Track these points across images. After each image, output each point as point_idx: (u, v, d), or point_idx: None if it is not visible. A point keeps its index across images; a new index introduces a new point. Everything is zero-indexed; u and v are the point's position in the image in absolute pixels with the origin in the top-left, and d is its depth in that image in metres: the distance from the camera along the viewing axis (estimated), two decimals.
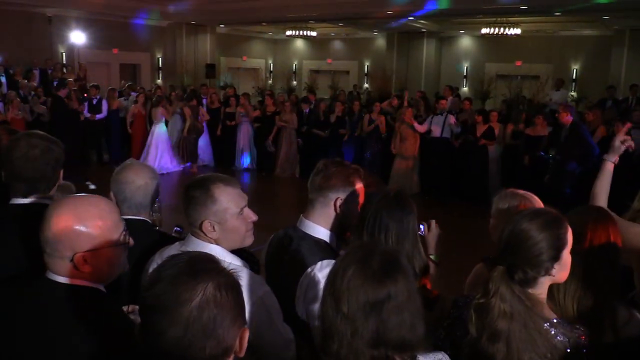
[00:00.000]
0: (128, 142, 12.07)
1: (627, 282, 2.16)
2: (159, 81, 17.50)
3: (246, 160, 12.16)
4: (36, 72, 13.77)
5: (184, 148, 11.75)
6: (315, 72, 20.33)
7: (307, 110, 11.55)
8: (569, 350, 1.59)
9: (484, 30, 14.68)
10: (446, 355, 1.43)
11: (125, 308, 1.68)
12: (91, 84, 12.40)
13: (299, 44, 22.07)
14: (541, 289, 1.68)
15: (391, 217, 1.93)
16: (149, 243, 2.04)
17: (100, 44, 16.13)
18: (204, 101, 12.64)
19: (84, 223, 1.46)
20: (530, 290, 1.66)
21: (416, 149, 9.82)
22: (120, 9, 15.11)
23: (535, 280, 1.65)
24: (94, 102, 11.77)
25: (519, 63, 16.98)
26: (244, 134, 12.06)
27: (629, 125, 2.75)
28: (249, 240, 1.92)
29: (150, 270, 1.94)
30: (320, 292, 1.85)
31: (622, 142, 2.53)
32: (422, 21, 16.22)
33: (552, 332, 1.60)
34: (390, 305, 1.24)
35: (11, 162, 1.94)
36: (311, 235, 2.06)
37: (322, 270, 1.91)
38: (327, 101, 12.54)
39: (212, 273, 1.12)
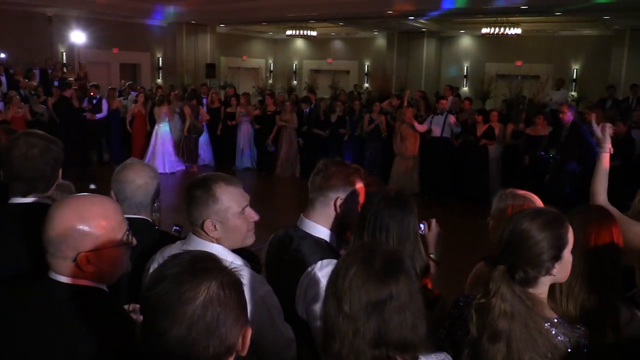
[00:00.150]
0: (128, 142, 12.06)
1: (626, 281, 2.16)
2: (159, 81, 17.50)
3: (246, 160, 12.16)
4: (36, 72, 13.79)
5: (184, 148, 11.75)
6: (316, 72, 20.33)
7: (308, 110, 11.55)
8: (569, 350, 1.59)
9: (484, 30, 14.68)
10: (449, 356, 1.42)
11: (126, 307, 1.68)
12: (91, 84, 12.40)
13: (299, 43, 22.07)
14: (542, 289, 1.68)
15: (392, 218, 1.92)
16: (149, 242, 2.04)
17: (101, 44, 16.14)
18: (204, 101, 12.64)
19: (87, 223, 1.46)
20: (531, 290, 1.65)
21: (416, 148, 9.82)
22: (121, 9, 15.11)
23: (536, 280, 1.65)
24: (94, 101, 11.77)
25: (519, 63, 16.98)
26: (244, 133, 12.07)
27: (596, 116, 2.77)
28: (250, 240, 1.92)
29: (151, 269, 1.94)
30: (321, 292, 1.85)
31: (601, 129, 2.54)
32: (422, 21, 16.22)
33: (553, 332, 1.60)
34: (392, 305, 1.23)
35: (10, 162, 1.94)
36: (311, 235, 2.06)
37: (322, 270, 1.91)
38: (328, 101, 12.54)
39: (215, 272, 1.11)
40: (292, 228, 2.13)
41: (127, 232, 1.55)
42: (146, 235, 2.05)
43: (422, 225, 2.18)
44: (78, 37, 15.80)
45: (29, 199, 1.97)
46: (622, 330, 1.81)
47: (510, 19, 13.99)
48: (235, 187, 1.86)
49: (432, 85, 17.25)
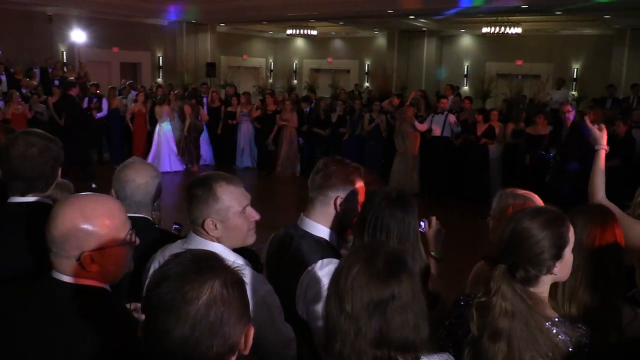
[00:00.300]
0: (129, 141, 12.07)
1: (627, 281, 2.16)
2: (159, 80, 17.50)
3: (246, 160, 12.17)
4: (36, 71, 13.78)
5: (184, 148, 11.75)
6: (316, 71, 20.35)
7: (308, 110, 11.55)
8: (570, 349, 1.58)
9: (485, 30, 14.67)
10: (451, 357, 1.41)
11: (127, 306, 1.68)
12: (91, 83, 12.40)
13: (300, 42, 22.06)
14: (543, 288, 1.67)
15: (393, 218, 1.92)
16: (150, 241, 2.04)
17: (101, 43, 16.15)
18: (205, 100, 12.63)
19: (91, 222, 1.46)
20: (531, 289, 1.65)
21: (416, 148, 9.82)
22: (121, 8, 15.11)
23: (537, 279, 1.65)
24: (95, 100, 11.77)
25: (519, 62, 16.98)
26: (245, 133, 12.07)
27: (593, 116, 2.81)
28: (251, 239, 1.92)
29: (152, 268, 1.94)
30: (321, 291, 1.85)
31: (599, 129, 2.56)
32: (422, 20, 16.22)
33: (554, 331, 1.60)
34: (394, 305, 1.23)
35: (9, 161, 1.93)
36: (312, 234, 2.06)
37: (322, 269, 1.91)
38: (328, 100, 12.54)
39: (218, 271, 1.11)
40: (293, 227, 2.13)
41: (131, 231, 1.55)
42: (146, 234, 2.04)
43: (422, 223, 2.18)
44: (78, 36, 15.80)
45: (28, 198, 1.97)
46: (625, 329, 1.81)
47: (510, 18, 13.99)
48: (236, 186, 1.86)
49: (432, 85, 17.24)
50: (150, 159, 10.86)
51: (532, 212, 1.71)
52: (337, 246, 2.11)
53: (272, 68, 22.59)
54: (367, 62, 20.52)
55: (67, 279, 1.47)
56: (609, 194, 2.52)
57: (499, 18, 14.03)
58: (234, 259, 1.76)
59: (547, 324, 1.61)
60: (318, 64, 21.39)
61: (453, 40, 19.04)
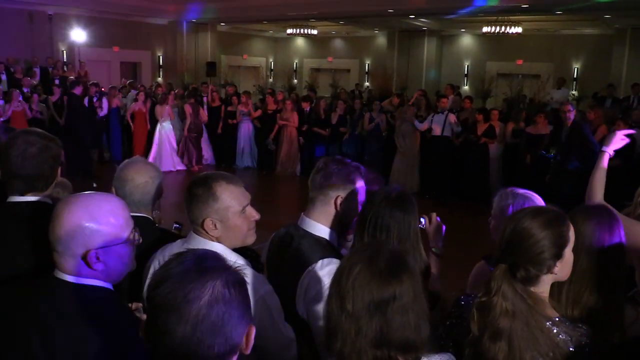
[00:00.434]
0: (129, 140, 12.08)
1: (627, 281, 2.15)
2: (160, 79, 17.51)
3: (246, 159, 12.16)
4: (37, 71, 13.78)
5: (183, 148, 11.75)
6: (316, 71, 20.35)
7: (308, 109, 11.55)
8: (571, 349, 1.58)
9: (485, 29, 14.66)
10: (453, 357, 1.41)
11: (129, 305, 1.68)
12: (91, 82, 12.41)
13: (300, 42, 22.06)
14: (543, 287, 1.67)
15: (393, 218, 1.92)
16: (150, 240, 2.03)
17: (101, 42, 16.15)
18: (205, 99, 12.63)
19: (97, 220, 1.46)
20: (532, 289, 1.65)
21: (417, 147, 9.82)
22: (121, 7, 15.11)
23: (537, 279, 1.65)
24: (95, 99, 11.78)
25: (520, 62, 16.98)
26: (245, 132, 12.07)
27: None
28: (251, 239, 1.92)
29: (152, 267, 1.94)
30: (321, 291, 1.85)
31: (622, 137, 2.54)
32: (423, 19, 16.22)
33: (555, 331, 1.60)
34: (395, 305, 1.23)
35: (8, 160, 1.92)
36: (312, 234, 2.05)
37: (322, 269, 1.91)
38: (328, 99, 12.53)
39: (220, 270, 1.11)
40: (293, 227, 2.13)
41: (134, 230, 1.55)
42: (147, 234, 2.04)
43: (423, 220, 2.17)
44: (78, 35, 15.81)
45: (27, 198, 1.96)
46: (627, 329, 1.80)
47: (511, 17, 13.98)
48: (236, 186, 1.85)
49: (432, 84, 17.24)
50: (151, 158, 10.87)
51: (533, 211, 1.71)
52: (337, 246, 2.10)
53: (272, 67, 22.59)
54: (367, 62, 20.52)
55: (70, 278, 1.46)
56: (609, 194, 2.52)
57: (499, 18, 14.02)
58: (234, 259, 1.76)
59: (547, 323, 1.61)
60: (318, 64, 21.39)
61: (453, 40, 19.04)
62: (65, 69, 14.46)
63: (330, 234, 2.07)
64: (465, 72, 18.61)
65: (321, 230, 2.06)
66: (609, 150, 2.56)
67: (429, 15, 15.25)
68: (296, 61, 22.24)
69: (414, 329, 1.24)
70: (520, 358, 1.57)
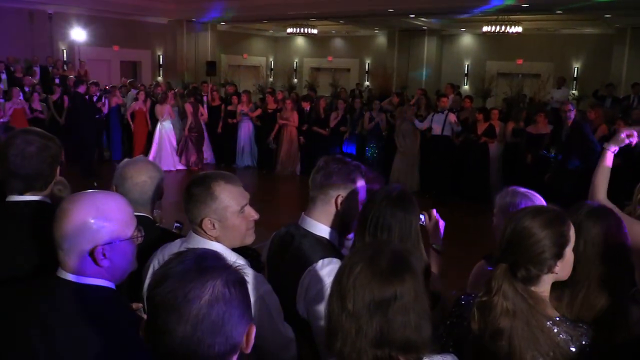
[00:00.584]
0: (129, 140, 12.07)
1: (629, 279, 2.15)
2: (160, 78, 17.51)
3: (246, 158, 12.16)
4: (37, 70, 13.78)
5: (183, 147, 11.75)
6: (316, 70, 20.34)
7: (308, 109, 11.54)
8: (572, 349, 1.58)
9: (485, 29, 14.65)
10: (455, 358, 1.41)
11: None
12: (91, 81, 12.41)
13: (300, 41, 22.05)
14: (544, 287, 1.67)
15: (394, 217, 1.91)
16: (150, 239, 2.03)
17: (101, 41, 16.15)
18: (205, 99, 12.63)
19: (104, 215, 1.46)
20: (533, 288, 1.65)
21: (417, 146, 9.81)
22: (121, 6, 15.10)
23: (538, 278, 1.65)
24: (94, 99, 11.78)
25: (520, 61, 16.98)
26: (245, 131, 12.07)
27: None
28: (249, 239, 1.92)
29: (152, 266, 1.94)
30: (322, 291, 1.84)
31: (627, 135, 2.51)
32: (423, 19, 16.21)
33: (555, 330, 1.60)
34: (396, 305, 1.22)
35: (7, 159, 1.92)
36: (313, 233, 2.05)
37: (323, 268, 1.90)
38: (329, 99, 12.53)
39: (220, 270, 1.11)
40: (294, 226, 2.12)
41: (138, 228, 1.56)
42: (146, 233, 2.04)
43: (422, 217, 2.17)
44: (78, 34, 15.80)
45: (26, 197, 1.96)
46: (631, 329, 1.79)
47: (511, 17, 13.97)
48: (234, 186, 1.85)
49: (432, 84, 17.24)
50: (151, 157, 10.86)
51: (533, 211, 1.70)
52: (338, 245, 2.10)
53: (272, 67, 22.58)
54: (368, 61, 20.51)
55: (73, 277, 1.46)
56: (610, 194, 2.51)
57: (500, 17, 14.02)
58: (233, 259, 1.76)
59: (548, 323, 1.61)
60: (318, 63, 21.39)
61: (453, 39, 19.03)
62: (65, 68, 14.47)
63: (331, 234, 2.07)
64: (466, 72, 18.60)
65: (322, 229, 2.06)
66: (611, 148, 2.55)
67: (440, 15, 15.20)
68: (296, 60, 22.23)
69: (415, 329, 1.23)
70: (521, 358, 1.57)
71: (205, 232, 1.83)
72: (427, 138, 9.73)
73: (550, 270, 1.64)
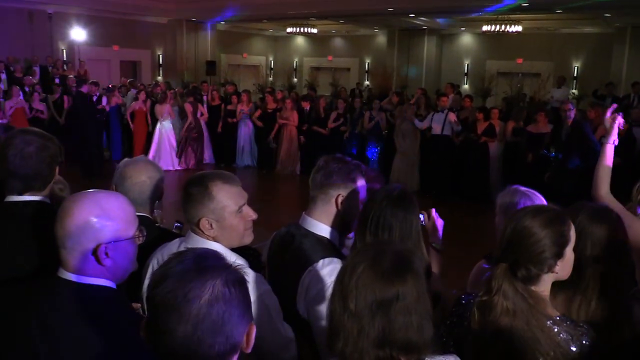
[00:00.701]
0: (129, 140, 12.07)
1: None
2: (159, 78, 17.50)
3: (246, 158, 12.16)
4: (36, 69, 13.78)
5: (183, 147, 11.75)
6: (316, 69, 20.34)
7: (308, 108, 11.54)
8: (572, 349, 1.58)
9: (485, 28, 14.65)
10: (457, 358, 1.40)
11: None
12: (91, 81, 12.41)
13: (300, 41, 22.05)
14: (544, 286, 1.67)
15: (395, 217, 1.91)
16: (149, 239, 2.03)
17: (101, 41, 16.14)
18: (205, 98, 12.63)
19: (108, 214, 1.46)
20: (533, 288, 1.65)
21: (417, 146, 9.81)
22: (121, 6, 15.10)
23: (538, 278, 1.65)
24: (94, 99, 11.78)
25: (520, 60, 16.97)
26: (245, 131, 12.06)
27: (614, 105, 2.79)
28: (248, 239, 1.91)
29: (151, 266, 1.94)
30: (322, 290, 1.84)
31: (612, 120, 2.54)
32: (423, 18, 16.21)
33: (555, 330, 1.60)
34: (398, 305, 1.22)
35: (6, 159, 1.91)
36: (314, 233, 2.04)
37: (323, 268, 1.90)
38: (328, 98, 12.52)
39: (220, 269, 1.10)
40: (294, 226, 2.12)
41: (140, 228, 1.56)
42: (146, 232, 2.04)
43: (421, 216, 2.18)
44: (78, 34, 15.80)
45: (25, 197, 1.95)
46: (635, 328, 1.79)
47: (511, 16, 13.97)
48: (232, 186, 1.85)
49: (432, 83, 17.24)
50: (150, 157, 10.86)
51: (533, 210, 1.70)
52: (339, 245, 2.10)
53: (272, 66, 22.58)
54: (367, 61, 20.51)
55: (74, 277, 1.45)
56: (611, 192, 2.51)
57: (499, 16, 14.02)
58: (232, 259, 1.76)
59: (548, 322, 1.61)
60: (318, 62, 21.39)
61: (453, 39, 19.03)
62: (65, 67, 14.46)
63: (332, 233, 2.06)
64: (465, 71, 18.60)
65: (323, 229, 2.05)
66: (609, 140, 2.55)
67: (440, 14, 15.19)
68: (296, 60, 22.23)
69: (417, 329, 1.23)
70: (521, 357, 1.57)
71: (202, 232, 1.83)
72: (427, 137, 9.73)
73: (550, 269, 1.64)
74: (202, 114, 11.97)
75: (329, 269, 1.88)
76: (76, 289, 1.45)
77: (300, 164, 11.52)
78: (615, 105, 2.64)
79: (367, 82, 19.46)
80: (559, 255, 1.64)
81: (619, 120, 2.57)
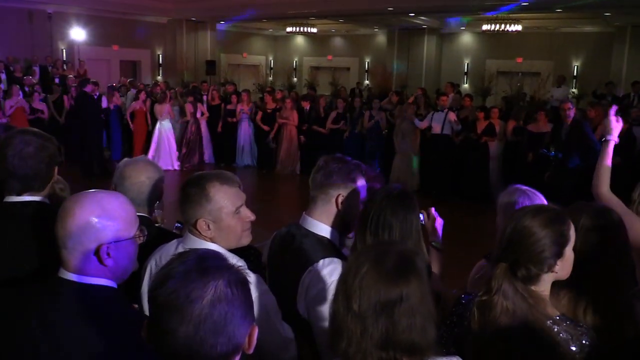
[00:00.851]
0: (129, 140, 12.07)
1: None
2: (159, 78, 17.50)
3: (246, 158, 12.16)
4: (36, 69, 13.77)
5: (185, 145, 11.75)
6: (316, 69, 20.34)
7: (308, 108, 11.54)
8: (572, 348, 1.58)
9: (485, 27, 14.64)
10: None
11: None
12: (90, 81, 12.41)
13: (300, 40, 22.05)
14: (544, 286, 1.67)
15: (395, 216, 1.91)
16: (148, 239, 2.03)
17: (101, 41, 16.14)
18: (205, 98, 12.62)
19: (109, 214, 1.46)
20: (533, 287, 1.65)
21: (417, 146, 9.81)
22: (121, 6, 15.09)
23: (538, 277, 1.64)
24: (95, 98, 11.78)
25: (519, 60, 16.97)
26: (245, 131, 12.06)
27: (615, 107, 2.79)
28: (245, 240, 1.91)
29: (149, 266, 1.93)
30: (322, 290, 1.84)
31: (615, 118, 2.54)
32: (422, 17, 16.20)
33: (555, 330, 1.60)
34: (402, 306, 1.21)
35: (5, 160, 1.91)
36: (314, 233, 2.04)
37: (324, 268, 1.90)
38: (328, 98, 12.52)
39: (222, 270, 1.10)
40: (295, 226, 2.12)
41: (140, 228, 1.56)
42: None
43: (421, 215, 2.18)
44: (78, 34, 15.80)
45: (24, 198, 1.95)
46: (637, 327, 1.79)
47: (510, 15, 13.97)
48: (230, 187, 1.84)
49: (432, 82, 17.23)
50: (149, 156, 10.85)
51: (533, 210, 1.70)
52: (339, 245, 2.10)
53: (272, 66, 22.57)
54: (367, 60, 20.50)
55: (75, 277, 1.45)
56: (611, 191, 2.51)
57: (499, 15, 14.01)
58: (235, 261, 1.75)
59: (548, 322, 1.61)
60: (318, 62, 21.38)
61: (453, 38, 19.02)
62: (64, 67, 14.46)
63: (332, 233, 2.06)
64: (465, 70, 18.59)
65: (323, 229, 2.05)
66: (612, 137, 2.55)
67: (439, 14, 15.15)
68: (296, 59, 22.22)
69: (420, 331, 1.22)
70: (521, 357, 1.57)
71: (200, 233, 1.82)
72: (427, 137, 9.73)
73: (550, 269, 1.64)
74: (202, 114, 11.97)
75: (329, 269, 1.88)
76: (77, 288, 1.45)
77: (300, 164, 11.52)
78: (616, 108, 2.63)
79: (367, 82, 19.45)
80: (559, 254, 1.64)
81: (616, 119, 2.58)
